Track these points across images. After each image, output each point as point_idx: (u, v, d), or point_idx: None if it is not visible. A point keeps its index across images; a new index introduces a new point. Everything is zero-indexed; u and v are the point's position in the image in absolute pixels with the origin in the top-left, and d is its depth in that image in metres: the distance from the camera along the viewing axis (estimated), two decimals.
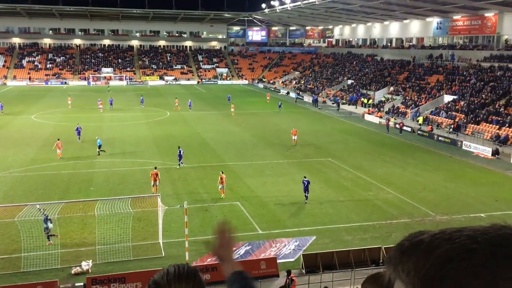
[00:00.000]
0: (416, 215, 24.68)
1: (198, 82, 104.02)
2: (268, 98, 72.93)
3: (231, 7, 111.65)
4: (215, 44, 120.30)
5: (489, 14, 62.60)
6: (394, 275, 1.00)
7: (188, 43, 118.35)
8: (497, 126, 43.97)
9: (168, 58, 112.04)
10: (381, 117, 56.30)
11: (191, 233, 20.54)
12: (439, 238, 0.96)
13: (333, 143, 42.63)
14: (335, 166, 34.55)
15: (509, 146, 40.19)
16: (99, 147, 36.69)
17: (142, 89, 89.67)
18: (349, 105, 69.01)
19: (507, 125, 43.41)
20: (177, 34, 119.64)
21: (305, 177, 26.95)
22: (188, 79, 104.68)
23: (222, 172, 27.68)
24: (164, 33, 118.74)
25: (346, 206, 26.05)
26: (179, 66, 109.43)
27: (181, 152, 33.53)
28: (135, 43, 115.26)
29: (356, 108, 66.13)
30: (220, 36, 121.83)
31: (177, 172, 32.16)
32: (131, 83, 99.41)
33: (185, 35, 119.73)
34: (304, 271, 18.38)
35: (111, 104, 62.18)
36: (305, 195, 26.33)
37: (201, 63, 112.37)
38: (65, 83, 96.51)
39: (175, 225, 22.46)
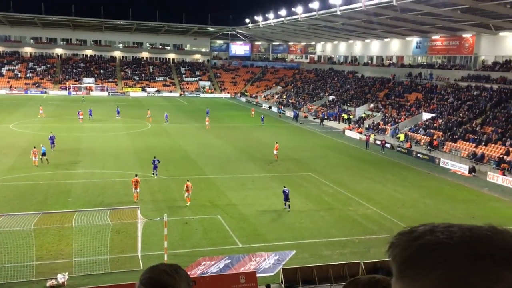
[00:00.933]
0: (395, 230, 24.46)
1: (181, 94, 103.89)
2: (252, 112, 71.40)
3: (215, 21, 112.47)
4: (198, 57, 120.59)
5: (467, 35, 64.33)
6: (390, 260, 1.11)
7: (171, 56, 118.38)
8: (474, 144, 44.93)
9: (151, 70, 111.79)
10: (361, 132, 57.00)
11: (170, 246, 20.38)
12: (428, 230, 1.07)
13: (314, 158, 42.93)
14: (316, 181, 34.76)
15: (485, 164, 41.06)
16: (43, 154, 36.15)
17: (123, 100, 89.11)
18: (329, 120, 69.73)
19: (483, 143, 44.41)
20: (160, 46, 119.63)
21: (284, 187, 28.04)
22: (171, 91, 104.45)
23: (188, 181, 28.34)
24: (147, 44, 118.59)
25: (326, 221, 26.18)
26: (161, 78, 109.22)
27: (155, 162, 33.46)
28: (117, 54, 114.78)
29: (339, 123, 66.84)
30: (203, 49, 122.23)
31: (157, 184, 31.93)
32: (112, 94, 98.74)
33: (168, 48, 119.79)
34: (283, 285, 18.36)
35: (90, 114, 61.70)
36: (286, 204, 27.52)
37: (183, 76, 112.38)
38: (45, 92, 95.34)
39: (155, 238, 22.25)
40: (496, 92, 54.15)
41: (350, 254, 21.64)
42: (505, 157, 40.49)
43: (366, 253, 21.79)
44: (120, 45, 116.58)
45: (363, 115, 66.66)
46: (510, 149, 41.54)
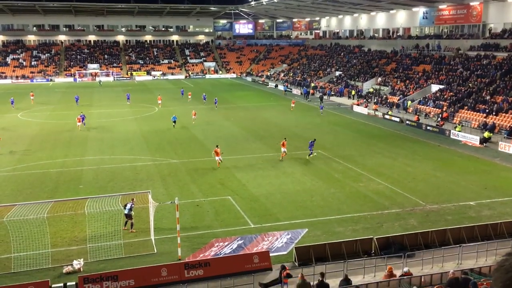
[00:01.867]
0: (407, 205, 24.84)
1: (186, 76, 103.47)
2: (292, 105, 57.87)
3: (217, 0, 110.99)
4: (202, 38, 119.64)
5: (474, 3, 62.93)
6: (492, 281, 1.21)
7: (175, 37, 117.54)
8: (484, 115, 44.36)
9: (155, 53, 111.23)
10: (366, 107, 56.42)
11: (182, 229, 20.46)
12: None
13: (323, 135, 42.69)
14: (326, 158, 34.61)
15: (497, 134, 40.56)
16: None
17: (129, 84, 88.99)
18: (339, 96, 69.21)
19: (493, 113, 43.80)
20: (163, 29, 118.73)
21: (314, 139, 34.94)
22: (175, 74, 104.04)
23: (217, 146, 32.39)
24: (150, 27, 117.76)
25: (337, 197, 26.12)
26: (166, 61, 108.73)
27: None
28: (121, 38, 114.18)
29: (349, 99, 66.25)
30: (206, 30, 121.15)
31: (167, 168, 32.01)
32: (118, 78, 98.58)
33: (171, 29, 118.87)
34: (297, 263, 18.41)
35: (128, 99, 63.86)
36: (310, 151, 33.92)
37: (188, 58, 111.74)
38: (51, 80, 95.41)
39: (167, 221, 22.37)
40: (506, 60, 53.18)
41: (363, 230, 21.61)
42: None
43: (379, 228, 21.76)
44: (123, 29, 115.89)
45: (371, 89, 65.99)
46: None
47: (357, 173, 30.63)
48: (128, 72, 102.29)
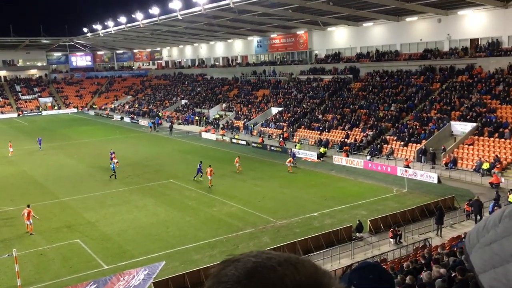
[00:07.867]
0: (259, 223, 25.93)
1: (19, 114, 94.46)
2: (288, 164, 38.44)
3: (49, 32, 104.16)
4: (34, 72, 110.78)
5: (300, 32, 69.54)
6: None
7: (2, 73, 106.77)
8: (319, 132, 48.88)
9: None
10: (213, 132, 58.01)
11: (25, 283, 18.43)
12: (233, 263, 1.13)
13: (174, 164, 42.56)
14: (178, 187, 34.49)
15: (331, 148, 44.92)
16: None
17: None
18: (184, 125, 69.86)
19: (326, 130, 48.54)
20: None
21: (201, 162, 36.16)
22: (5, 112, 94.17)
23: (28, 206, 25.98)
24: None
25: (192, 225, 26.14)
26: None
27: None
28: None
29: (199, 125, 67.05)
30: (39, 64, 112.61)
31: (1, 216, 28.60)
32: None
33: None
34: None
35: (39, 144, 52.82)
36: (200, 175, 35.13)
37: (19, 94, 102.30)
38: None
39: (5, 277, 19.91)
40: (331, 82, 59.58)
41: (220, 254, 21.91)
42: (345, 140, 44.82)
43: (235, 250, 22.28)
44: None
45: (217, 115, 68.05)
46: (349, 132, 46.13)
47: (210, 198, 31.11)
48: None
